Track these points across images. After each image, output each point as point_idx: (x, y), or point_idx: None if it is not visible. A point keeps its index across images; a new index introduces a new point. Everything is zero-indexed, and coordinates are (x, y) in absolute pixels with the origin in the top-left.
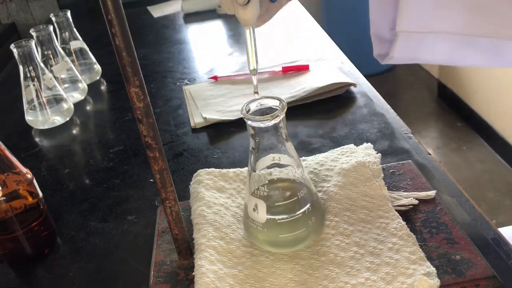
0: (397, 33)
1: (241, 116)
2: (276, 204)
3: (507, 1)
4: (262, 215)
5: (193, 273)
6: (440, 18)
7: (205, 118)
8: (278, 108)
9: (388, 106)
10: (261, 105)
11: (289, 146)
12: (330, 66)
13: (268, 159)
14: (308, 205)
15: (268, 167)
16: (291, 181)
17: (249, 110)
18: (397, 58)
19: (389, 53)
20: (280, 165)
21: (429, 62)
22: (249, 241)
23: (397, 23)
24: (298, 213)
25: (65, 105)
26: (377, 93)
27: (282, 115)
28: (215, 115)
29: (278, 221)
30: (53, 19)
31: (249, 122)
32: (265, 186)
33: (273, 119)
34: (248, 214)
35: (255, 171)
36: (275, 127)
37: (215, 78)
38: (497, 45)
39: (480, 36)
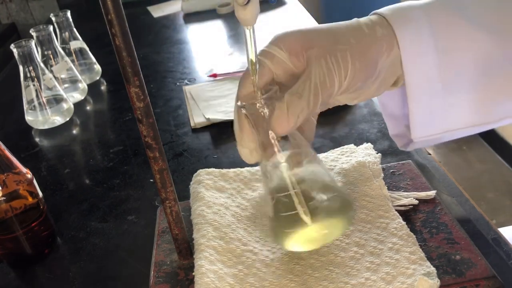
0: (413, 140)
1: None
2: (278, 195)
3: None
4: (270, 207)
5: (193, 273)
6: (452, 119)
7: (208, 119)
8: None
9: None
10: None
11: (299, 136)
12: None
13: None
14: (314, 201)
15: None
16: (309, 178)
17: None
18: (419, 146)
19: (410, 143)
20: (294, 156)
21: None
22: (248, 240)
23: (412, 132)
24: (304, 208)
25: (65, 105)
26: None
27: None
28: (218, 116)
29: (281, 214)
30: (53, 19)
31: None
32: (275, 178)
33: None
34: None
35: (270, 165)
36: None
37: (214, 76)
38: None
39: (494, 122)
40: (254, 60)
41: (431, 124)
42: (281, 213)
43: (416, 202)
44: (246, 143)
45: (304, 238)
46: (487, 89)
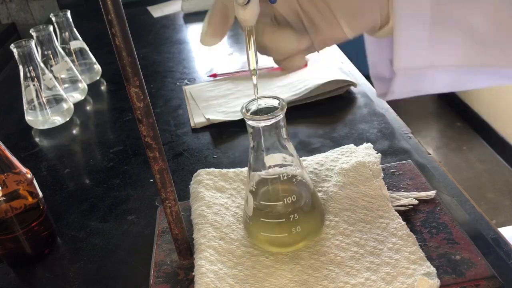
0: (395, 71)
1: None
2: (262, 202)
3: (505, 33)
4: (250, 207)
5: (193, 273)
6: (438, 53)
7: (208, 119)
8: (277, 107)
9: (388, 106)
10: (261, 104)
11: (290, 146)
12: (330, 65)
13: (278, 157)
14: (295, 214)
15: (274, 166)
16: (287, 183)
17: (249, 109)
18: (398, 93)
19: (389, 90)
20: (282, 165)
21: (431, 93)
22: (249, 241)
23: (394, 61)
24: (282, 219)
25: (65, 105)
26: None
27: (282, 115)
28: (218, 116)
29: (261, 219)
30: (53, 19)
31: (249, 122)
32: (260, 184)
33: (273, 118)
34: (244, 204)
35: (254, 170)
36: (275, 126)
37: (214, 76)
38: (497, 71)
39: (480, 66)
40: (254, 60)
41: (415, 55)
42: (260, 217)
43: (416, 202)
44: (211, 39)
45: (276, 243)
46: (480, 28)
